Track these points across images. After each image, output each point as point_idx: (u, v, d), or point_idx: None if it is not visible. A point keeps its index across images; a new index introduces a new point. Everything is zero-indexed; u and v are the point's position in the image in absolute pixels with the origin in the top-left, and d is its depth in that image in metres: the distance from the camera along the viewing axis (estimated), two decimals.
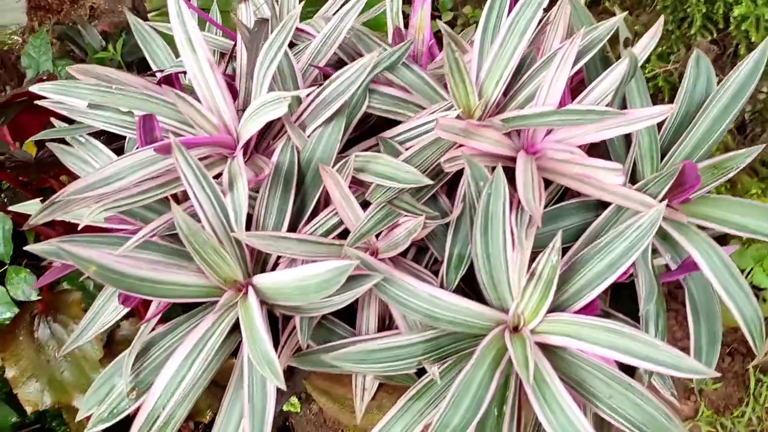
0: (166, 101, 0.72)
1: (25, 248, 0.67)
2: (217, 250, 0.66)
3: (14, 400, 0.98)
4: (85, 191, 0.62)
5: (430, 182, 0.63)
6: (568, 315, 0.64)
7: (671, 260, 0.75)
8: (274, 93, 0.64)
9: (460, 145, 0.71)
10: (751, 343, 0.70)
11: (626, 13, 0.69)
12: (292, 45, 0.80)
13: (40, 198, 0.80)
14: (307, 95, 0.69)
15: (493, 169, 0.72)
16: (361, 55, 0.78)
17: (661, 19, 0.69)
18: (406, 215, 0.66)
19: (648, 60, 1.55)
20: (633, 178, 0.76)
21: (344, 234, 0.71)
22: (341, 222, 0.70)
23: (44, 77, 0.97)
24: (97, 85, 0.69)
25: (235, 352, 0.73)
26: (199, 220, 0.66)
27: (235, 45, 0.85)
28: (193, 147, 0.67)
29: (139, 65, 1.60)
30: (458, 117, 0.71)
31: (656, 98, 1.57)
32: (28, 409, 0.97)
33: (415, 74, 0.75)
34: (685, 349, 0.73)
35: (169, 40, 0.91)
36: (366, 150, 0.76)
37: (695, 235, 0.71)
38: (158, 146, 0.62)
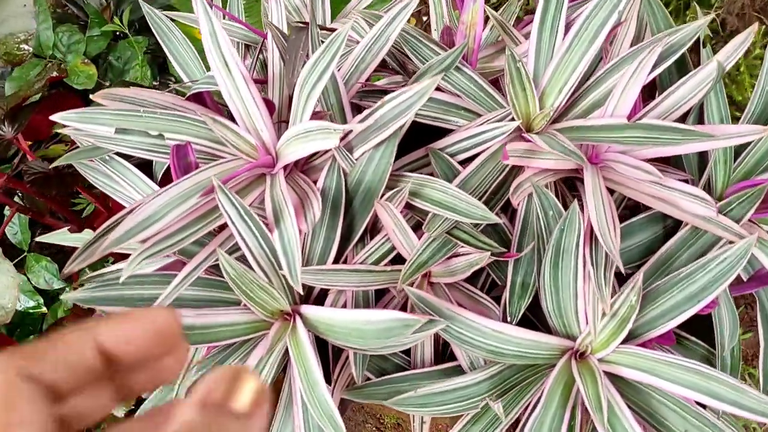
0: (197, 120, 0.65)
1: (61, 297, 0.63)
2: (265, 288, 0.61)
3: None
4: (125, 239, 0.57)
5: (498, 220, 0.58)
6: (643, 349, 0.60)
7: (742, 270, 0.71)
8: (322, 123, 0.58)
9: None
10: None
11: (713, 14, 0.62)
12: None
13: (68, 227, 0.75)
14: (355, 117, 0.63)
15: (555, 184, 0.67)
16: (405, 56, 0.71)
17: (755, 26, 0.61)
18: (466, 247, 0.61)
19: (688, 6, 1.46)
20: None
21: (396, 259, 0.66)
22: (393, 247, 0.66)
23: (53, 72, 0.90)
24: (124, 109, 0.63)
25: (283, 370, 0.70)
26: (237, 251, 0.62)
27: (263, 43, 0.77)
28: (234, 177, 0.61)
29: (140, 24, 1.51)
30: (519, 128, 0.65)
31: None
32: None
33: (467, 77, 0.68)
34: None
35: (186, 29, 0.84)
36: (414, 162, 0.71)
37: None
38: (203, 192, 0.57)
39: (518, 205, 0.63)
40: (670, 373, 0.58)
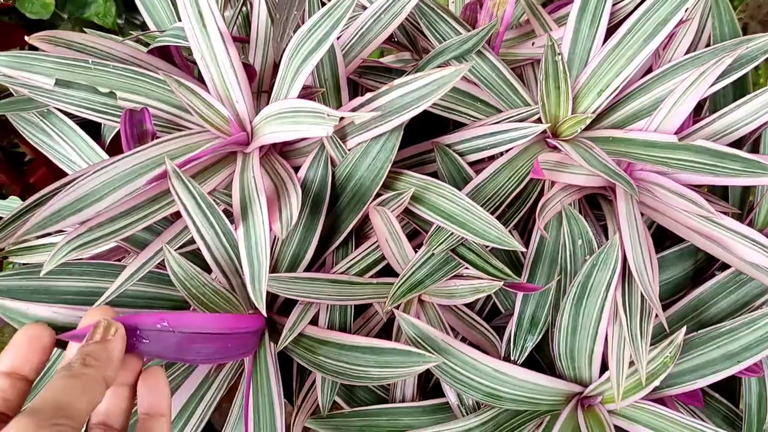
0: (159, 80, 0.53)
1: None
2: (221, 294, 0.50)
3: None
4: (52, 222, 0.45)
5: (522, 248, 0.48)
6: (662, 408, 0.51)
7: None
8: (314, 105, 0.47)
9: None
10: None
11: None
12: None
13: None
14: (355, 98, 0.51)
15: (579, 201, 0.57)
16: (418, 29, 0.60)
17: None
18: (471, 269, 0.51)
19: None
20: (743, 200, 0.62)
21: (385, 271, 0.56)
22: (382, 257, 0.55)
23: None
24: (69, 58, 0.51)
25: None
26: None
27: None
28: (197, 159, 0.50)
29: None
30: (545, 132, 0.55)
31: None
32: None
33: (490, 65, 0.57)
34: None
35: None
36: (416, 156, 0.60)
37: None
38: (153, 177, 0.45)
39: (536, 225, 0.53)
40: None
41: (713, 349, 0.51)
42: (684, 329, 0.47)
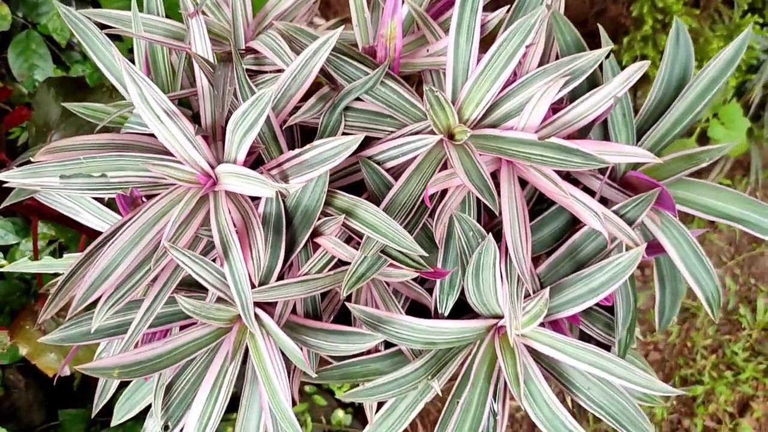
0: (136, 156, 0.69)
1: (39, 340, 0.69)
2: (222, 309, 0.69)
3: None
4: (89, 295, 0.63)
5: (423, 253, 0.65)
6: (554, 333, 0.71)
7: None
8: (259, 176, 0.63)
9: (443, 168, 0.72)
10: (709, 314, 0.78)
11: (613, 46, 0.65)
12: (253, 73, 0.75)
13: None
14: (289, 151, 0.67)
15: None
16: (330, 74, 0.74)
17: (646, 63, 0.66)
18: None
19: None
20: None
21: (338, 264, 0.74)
22: (333, 257, 0.73)
23: None
24: (65, 159, 0.66)
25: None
26: None
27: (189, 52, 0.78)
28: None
29: None
30: (440, 141, 0.71)
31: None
32: (49, 373, 1.06)
33: (391, 89, 0.72)
34: None
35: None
36: (347, 168, 0.76)
37: (667, 225, 0.76)
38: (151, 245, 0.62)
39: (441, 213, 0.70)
40: (576, 353, 0.70)
41: (581, 287, 0.70)
42: (548, 290, 0.66)
